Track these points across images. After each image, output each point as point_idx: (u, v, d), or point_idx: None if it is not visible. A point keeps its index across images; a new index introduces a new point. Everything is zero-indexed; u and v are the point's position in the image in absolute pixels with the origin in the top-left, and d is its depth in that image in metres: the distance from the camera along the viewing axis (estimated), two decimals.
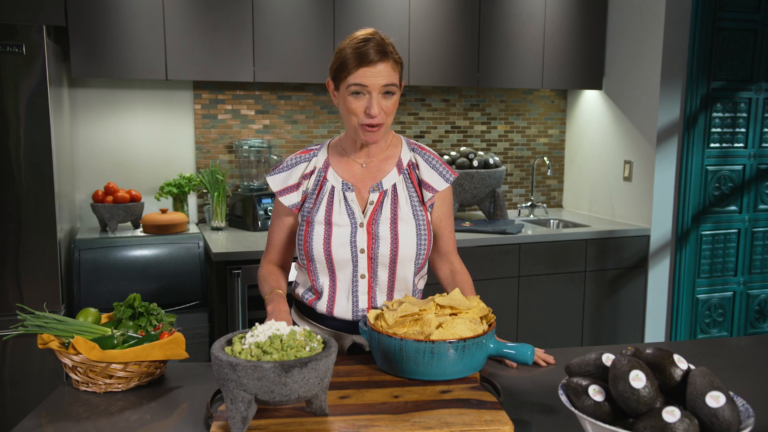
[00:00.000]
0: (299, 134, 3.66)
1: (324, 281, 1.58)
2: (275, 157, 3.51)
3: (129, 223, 3.24)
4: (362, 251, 1.55)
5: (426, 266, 1.67)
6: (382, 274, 1.57)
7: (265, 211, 3.32)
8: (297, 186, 1.60)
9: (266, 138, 3.59)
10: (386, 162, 1.62)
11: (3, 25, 2.51)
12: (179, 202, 3.37)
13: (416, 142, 1.67)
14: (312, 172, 1.61)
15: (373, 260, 1.55)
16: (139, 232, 3.08)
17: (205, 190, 3.50)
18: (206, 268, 2.97)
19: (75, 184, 3.31)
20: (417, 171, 1.62)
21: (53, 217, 2.63)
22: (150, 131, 3.41)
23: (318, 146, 1.65)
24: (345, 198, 1.57)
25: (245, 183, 3.45)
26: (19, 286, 2.62)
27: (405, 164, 1.62)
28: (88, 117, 3.31)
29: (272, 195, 3.38)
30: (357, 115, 1.49)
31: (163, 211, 3.10)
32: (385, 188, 1.59)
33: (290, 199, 1.60)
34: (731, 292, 3.75)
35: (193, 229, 3.20)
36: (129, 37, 2.95)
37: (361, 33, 1.49)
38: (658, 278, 3.62)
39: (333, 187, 1.58)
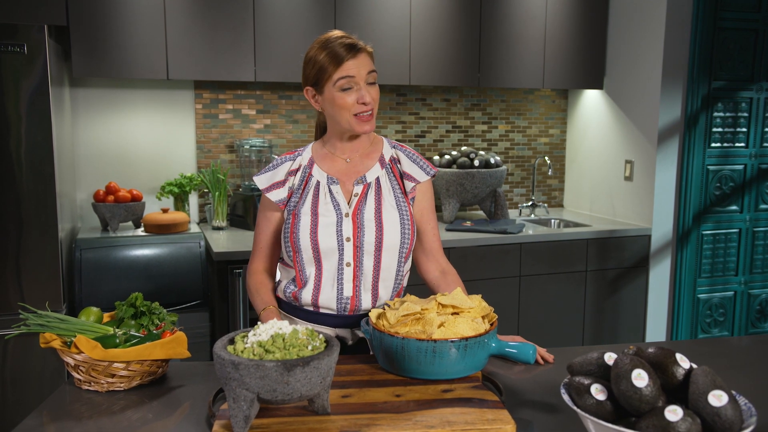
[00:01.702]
0: (300, 134, 3.66)
1: (310, 271, 1.60)
2: (276, 157, 3.50)
3: (130, 223, 3.24)
4: (348, 239, 1.58)
5: (410, 261, 1.68)
6: (368, 262, 1.59)
7: None
8: (283, 182, 1.65)
9: (267, 137, 3.59)
10: (369, 157, 1.68)
11: (4, 25, 2.51)
12: (180, 202, 3.37)
13: (396, 142, 1.74)
14: (298, 169, 1.66)
15: (358, 248, 1.58)
16: (140, 231, 3.08)
17: (206, 190, 3.50)
18: (207, 267, 2.97)
19: (76, 184, 3.31)
20: (399, 165, 1.69)
21: (54, 217, 2.63)
22: (151, 131, 3.41)
23: (302, 148, 1.71)
24: (330, 191, 1.62)
25: (246, 183, 3.45)
26: (20, 285, 2.63)
27: (387, 159, 1.68)
28: (89, 116, 3.31)
29: None
30: (349, 108, 1.56)
31: (165, 211, 3.10)
32: (368, 181, 1.64)
33: (277, 195, 1.64)
34: (732, 292, 3.75)
35: (194, 228, 3.20)
36: (130, 37, 2.95)
37: (327, 35, 1.58)
38: (659, 278, 3.62)
39: (318, 182, 1.63)
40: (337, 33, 1.58)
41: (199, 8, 3.04)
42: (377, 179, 1.64)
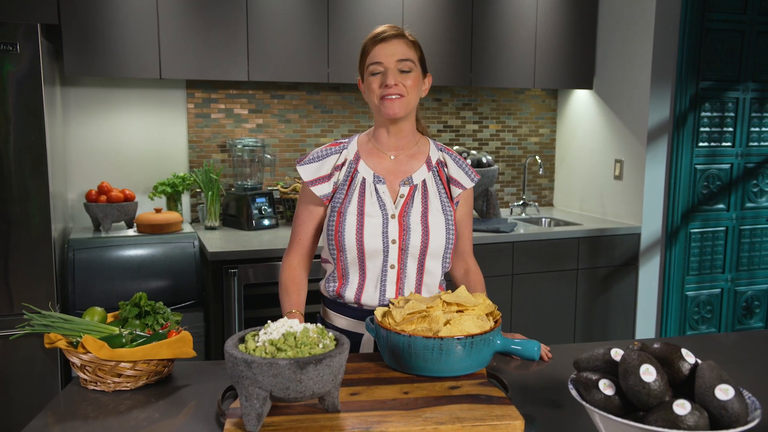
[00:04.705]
0: (292, 133, 3.66)
1: (354, 270, 1.60)
2: (269, 156, 3.51)
3: (122, 223, 3.22)
4: (393, 242, 1.58)
5: (449, 262, 1.70)
6: (411, 266, 1.60)
7: (260, 210, 3.31)
8: (329, 177, 1.62)
9: (259, 137, 3.59)
10: (415, 158, 1.66)
11: None
12: (173, 202, 3.36)
13: (442, 144, 1.73)
14: (343, 164, 1.63)
15: (403, 251, 1.58)
16: (132, 231, 3.06)
17: (198, 190, 3.49)
18: (201, 267, 2.96)
19: (67, 184, 3.28)
20: (446, 169, 1.68)
21: (48, 217, 2.61)
22: (143, 130, 3.40)
23: (347, 139, 1.68)
24: (376, 190, 1.60)
25: (239, 182, 3.44)
26: (14, 287, 2.60)
27: (434, 162, 1.67)
28: (80, 116, 3.29)
29: (266, 194, 3.37)
30: (376, 91, 1.57)
31: (158, 211, 3.09)
32: (415, 183, 1.63)
33: (322, 189, 1.61)
34: (719, 289, 3.81)
35: (187, 228, 3.19)
36: (122, 36, 2.94)
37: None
38: (649, 276, 3.67)
39: (364, 179, 1.61)
40: (387, 25, 1.61)
41: (192, 7, 3.03)
42: (423, 182, 1.63)
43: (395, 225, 1.58)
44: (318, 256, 1.74)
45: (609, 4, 3.75)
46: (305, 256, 1.68)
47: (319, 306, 1.77)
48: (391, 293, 1.60)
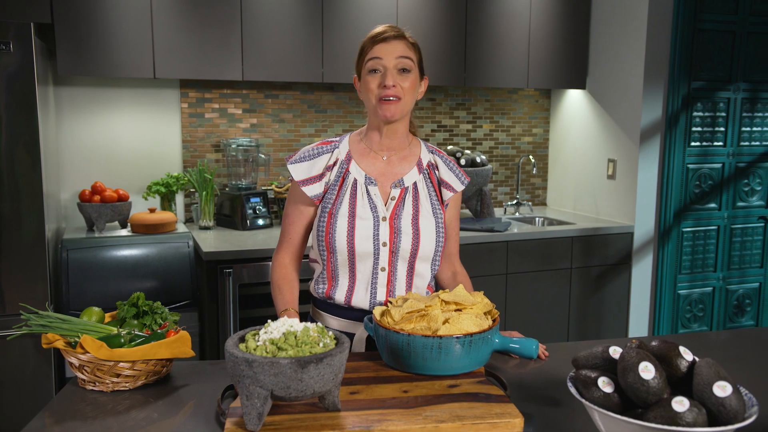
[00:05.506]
0: (286, 133, 3.66)
1: (344, 272, 1.60)
2: (263, 156, 3.50)
3: (116, 223, 3.21)
4: (384, 244, 1.57)
5: (438, 264, 1.69)
6: (402, 268, 1.60)
7: (254, 210, 3.31)
8: (320, 177, 1.61)
9: (253, 137, 3.58)
10: (406, 160, 1.66)
11: None
12: (167, 202, 3.35)
13: (433, 146, 1.73)
14: (335, 164, 1.62)
15: (394, 254, 1.58)
16: (126, 231, 3.05)
17: (192, 189, 3.48)
18: (196, 267, 2.95)
19: (60, 184, 3.27)
20: (437, 171, 1.68)
21: (42, 217, 2.60)
22: (137, 130, 3.38)
23: (338, 138, 1.67)
24: (368, 192, 1.60)
25: (233, 182, 3.43)
26: (6, 287, 2.58)
27: (425, 164, 1.66)
28: (74, 115, 3.27)
29: (260, 194, 3.37)
30: (374, 91, 1.56)
31: (152, 211, 3.08)
32: (406, 185, 1.62)
33: (313, 190, 1.61)
34: (711, 288, 3.84)
35: (181, 228, 3.18)
36: (116, 35, 2.93)
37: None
38: (642, 274, 3.69)
39: (355, 180, 1.60)
40: (386, 25, 1.61)
41: (186, 6, 3.02)
42: (414, 184, 1.63)
43: (386, 228, 1.58)
44: (306, 256, 1.73)
45: (602, 4, 3.77)
46: (295, 254, 1.68)
47: (308, 306, 1.77)
48: (381, 295, 1.60)
